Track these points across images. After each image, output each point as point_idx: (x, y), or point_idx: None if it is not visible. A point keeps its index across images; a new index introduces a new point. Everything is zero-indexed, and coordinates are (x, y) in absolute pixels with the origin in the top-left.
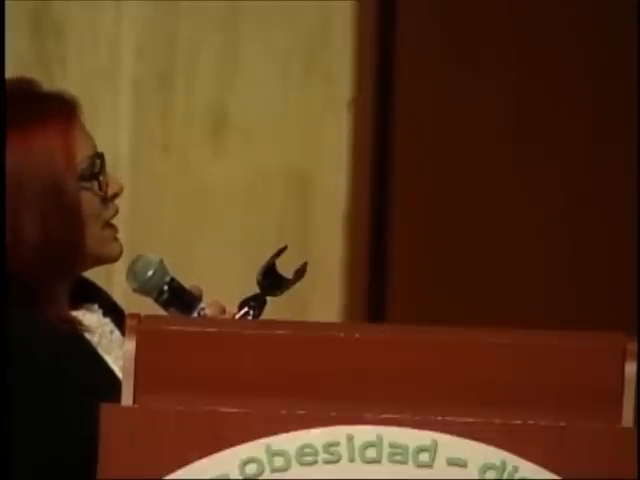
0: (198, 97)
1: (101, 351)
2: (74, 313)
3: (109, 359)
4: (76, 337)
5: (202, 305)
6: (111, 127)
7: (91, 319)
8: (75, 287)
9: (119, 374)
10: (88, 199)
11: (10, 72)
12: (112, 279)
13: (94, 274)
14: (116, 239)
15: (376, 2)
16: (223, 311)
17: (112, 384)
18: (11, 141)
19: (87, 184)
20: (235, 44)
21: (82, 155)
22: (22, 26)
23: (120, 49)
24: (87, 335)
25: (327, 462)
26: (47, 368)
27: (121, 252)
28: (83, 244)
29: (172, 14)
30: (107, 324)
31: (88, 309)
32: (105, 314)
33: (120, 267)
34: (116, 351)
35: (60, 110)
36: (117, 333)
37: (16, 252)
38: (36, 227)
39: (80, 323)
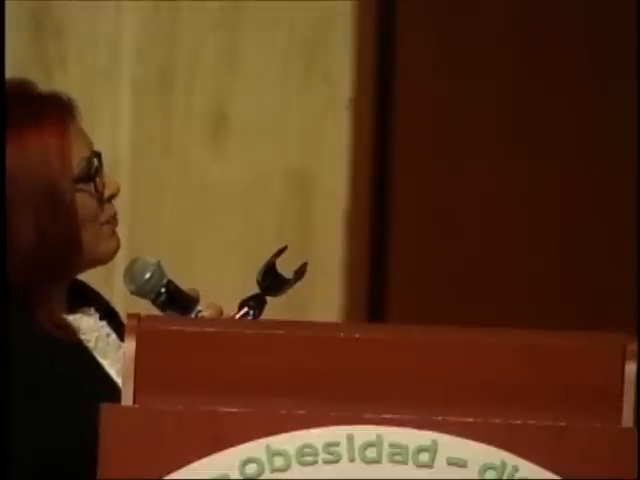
0: (198, 97)
1: (97, 355)
2: (71, 317)
3: (105, 363)
4: (72, 340)
5: (199, 307)
6: (111, 127)
7: (87, 322)
8: (71, 290)
9: (115, 378)
10: (84, 201)
11: (10, 72)
12: (112, 280)
13: (94, 276)
14: (114, 233)
15: (376, 2)
16: (220, 313)
17: (108, 388)
18: (6, 142)
19: (83, 185)
20: (235, 44)
21: (78, 156)
22: (22, 26)
23: (120, 49)
24: (83, 339)
25: (327, 462)
26: (43, 371)
27: (118, 247)
28: (79, 246)
29: (172, 14)
30: (103, 327)
31: (84, 313)
32: (101, 317)
33: (121, 268)
34: (113, 354)
35: (56, 111)
36: (113, 336)
37: (11, 254)
38: (31, 229)
39: (74, 327)
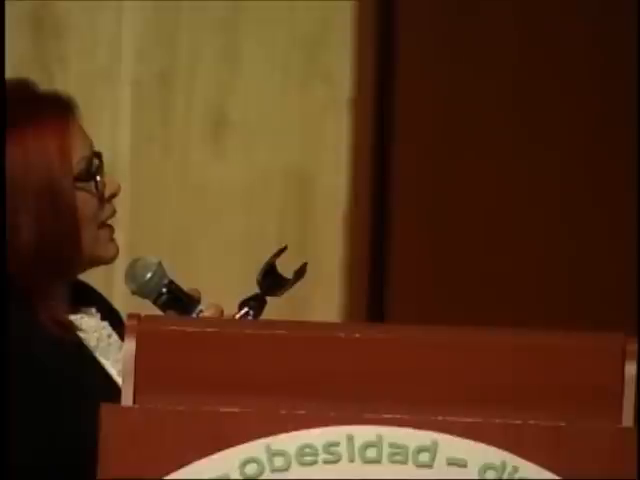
0: (198, 97)
1: (99, 355)
2: (72, 317)
3: (107, 363)
4: (73, 340)
5: (200, 307)
6: (111, 127)
7: (89, 323)
8: (73, 291)
9: (116, 378)
10: (85, 200)
11: (10, 72)
12: (112, 281)
13: (94, 276)
14: (112, 240)
15: (376, 2)
16: (221, 314)
17: (109, 388)
18: (7, 141)
19: (84, 184)
20: (235, 44)
21: (78, 155)
22: (22, 26)
23: (120, 49)
24: (84, 338)
25: (327, 462)
26: (44, 370)
27: (117, 253)
28: (79, 245)
29: (172, 14)
30: (105, 328)
31: (86, 313)
32: (103, 318)
33: (121, 269)
34: (114, 355)
35: (56, 110)
36: (115, 337)
37: (12, 252)
38: (31, 228)
39: (76, 326)
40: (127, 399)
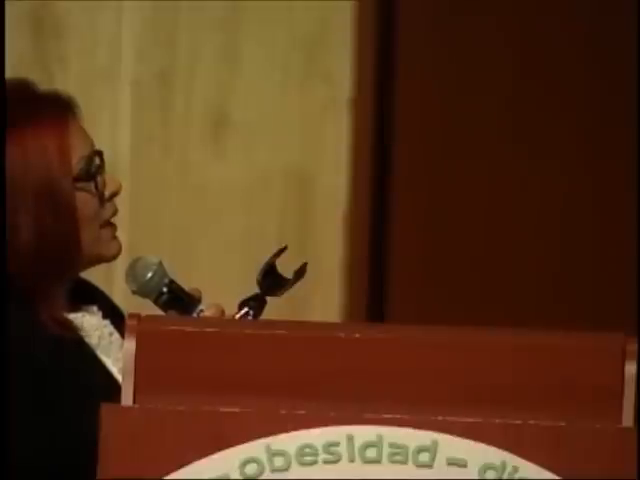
0: (198, 97)
1: (100, 353)
2: (73, 315)
3: (108, 361)
4: (74, 339)
5: (201, 307)
6: (111, 127)
7: (91, 321)
8: (75, 289)
9: (118, 376)
10: (85, 199)
11: (10, 72)
12: (113, 280)
13: (94, 275)
14: (115, 237)
15: (376, 2)
16: (222, 313)
17: (110, 386)
18: (7, 141)
19: (84, 184)
20: (235, 44)
21: (78, 155)
22: (22, 26)
23: (120, 49)
24: (85, 337)
25: (327, 462)
26: (45, 369)
27: (120, 250)
28: (78, 245)
29: (171, 14)
30: (106, 326)
31: (87, 311)
32: (105, 316)
33: (121, 268)
34: (115, 353)
35: (55, 110)
36: (116, 335)
37: (12, 253)
38: (30, 228)
39: (76, 325)
40: (127, 399)
